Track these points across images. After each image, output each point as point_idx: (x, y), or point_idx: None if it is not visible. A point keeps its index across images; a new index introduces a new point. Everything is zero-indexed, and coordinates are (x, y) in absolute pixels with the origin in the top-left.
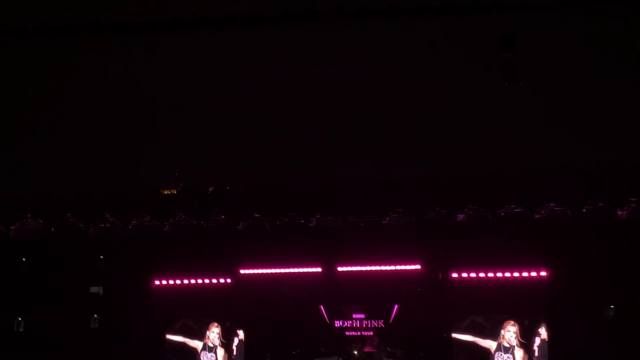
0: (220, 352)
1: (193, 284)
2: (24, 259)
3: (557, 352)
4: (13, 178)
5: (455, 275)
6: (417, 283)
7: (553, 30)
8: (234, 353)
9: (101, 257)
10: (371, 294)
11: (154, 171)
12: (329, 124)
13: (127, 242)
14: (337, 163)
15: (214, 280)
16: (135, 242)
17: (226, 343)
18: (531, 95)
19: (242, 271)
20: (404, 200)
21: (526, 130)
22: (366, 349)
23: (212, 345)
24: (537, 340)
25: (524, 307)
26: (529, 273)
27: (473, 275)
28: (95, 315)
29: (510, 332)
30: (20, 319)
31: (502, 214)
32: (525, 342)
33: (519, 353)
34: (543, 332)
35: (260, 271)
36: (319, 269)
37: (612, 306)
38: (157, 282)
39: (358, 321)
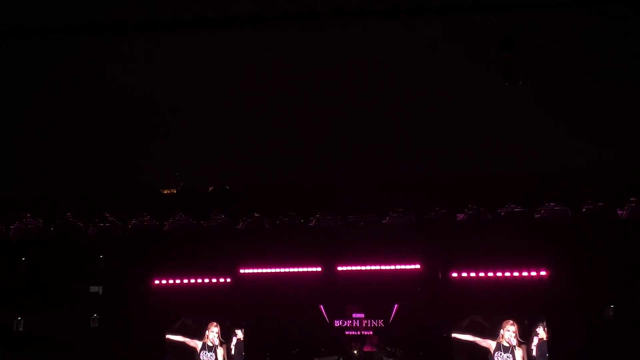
0: (220, 351)
1: (193, 283)
2: (23, 259)
3: (557, 352)
4: (13, 178)
5: (455, 275)
6: (417, 283)
7: (553, 30)
8: (232, 352)
9: (101, 256)
10: (371, 294)
11: (154, 171)
12: (329, 124)
13: (127, 241)
14: (337, 163)
15: (214, 280)
16: (135, 241)
17: (225, 342)
18: (531, 95)
19: (242, 271)
20: (404, 200)
21: (526, 130)
22: (366, 349)
23: (211, 345)
24: (535, 340)
25: (523, 307)
26: (529, 273)
27: (473, 275)
28: (95, 315)
29: (509, 332)
30: (20, 318)
31: (502, 213)
32: (525, 341)
33: (519, 352)
34: (541, 331)
35: (260, 271)
36: (319, 269)
37: (612, 306)
38: (156, 282)
39: (358, 321)
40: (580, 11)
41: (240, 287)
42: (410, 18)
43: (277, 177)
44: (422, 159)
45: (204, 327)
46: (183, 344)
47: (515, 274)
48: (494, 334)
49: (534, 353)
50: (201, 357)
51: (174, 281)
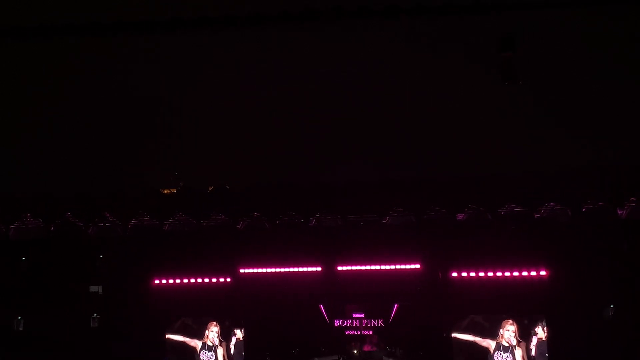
0: (220, 351)
1: (193, 283)
2: (23, 259)
3: (556, 352)
4: (13, 178)
5: (455, 274)
6: (417, 283)
7: (553, 30)
8: (232, 352)
9: (101, 256)
10: (371, 294)
11: (154, 171)
12: (329, 124)
13: (127, 241)
14: (337, 163)
15: (214, 280)
16: (135, 241)
17: (225, 342)
18: (531, 95)
19: (241, 270)
20: (403, 200)
21: (526, 130)
22: (366, 348)
23: (211, 344)
24: (534, 340)
25: (523, 307)
26: (529, 272)
27: (473, 274)
28: (95, 315)
29: (509, 332)
30: (20, 318)
31: (502, 213)
32: (524, 341)
33: (518, 352)
34: (540, 331)
35: (260, 270)
36: (319, 269)
37: (612, 306)
38: (156, 282)
39: (358, 320)
40: (580, 11)
41: (240, 287)
42: (410, 18)
43: (277, 177)
44: (422, 159)
45: (204, 327)
46: (183, 343)
47: (515, 273)
48: (493, 334)
49: (533, 353)
50: (201, 357)
51: (174, 281)
